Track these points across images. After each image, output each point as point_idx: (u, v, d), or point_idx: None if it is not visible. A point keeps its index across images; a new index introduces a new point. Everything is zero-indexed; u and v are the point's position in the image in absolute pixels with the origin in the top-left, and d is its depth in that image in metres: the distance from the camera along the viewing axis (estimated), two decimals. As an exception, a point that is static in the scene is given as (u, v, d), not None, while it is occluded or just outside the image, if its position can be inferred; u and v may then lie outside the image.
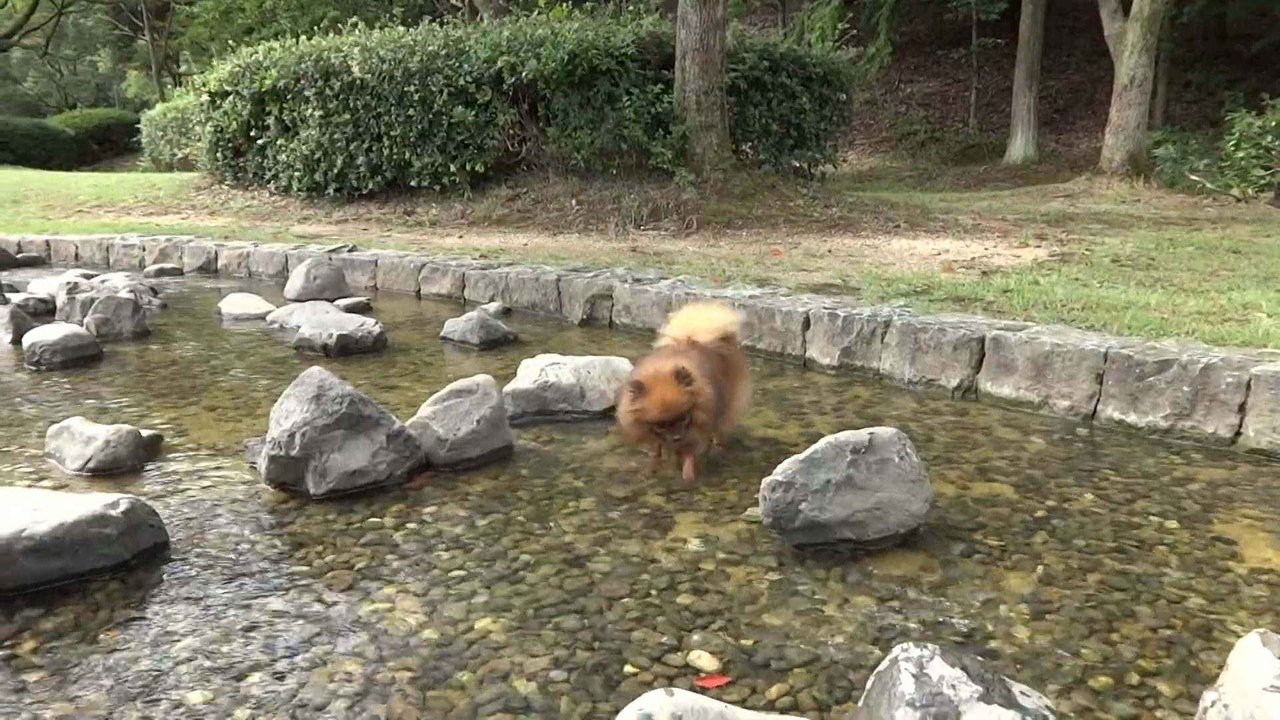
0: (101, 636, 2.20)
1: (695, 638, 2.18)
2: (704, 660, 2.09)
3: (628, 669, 2.06)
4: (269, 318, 6.01)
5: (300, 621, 2.26)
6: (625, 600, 2.36)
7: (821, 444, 2.60)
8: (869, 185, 17.13)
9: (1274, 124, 11.91)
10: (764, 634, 2.20)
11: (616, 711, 1.89)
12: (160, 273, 8.40)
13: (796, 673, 2.04)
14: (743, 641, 2.17)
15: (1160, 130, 16.55)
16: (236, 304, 6.34)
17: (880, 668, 1.66)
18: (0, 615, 2.28)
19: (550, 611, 2.32)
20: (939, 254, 7.42)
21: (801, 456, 2.59)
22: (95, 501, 2.48)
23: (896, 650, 1.65)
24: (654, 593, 2.40)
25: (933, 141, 22.65)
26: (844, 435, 2.62)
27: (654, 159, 9.88)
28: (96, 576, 2.45)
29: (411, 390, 4.29)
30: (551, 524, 2.83)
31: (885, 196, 12.63)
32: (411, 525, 2.82)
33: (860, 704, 1.67)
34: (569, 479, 3.21)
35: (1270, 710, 1.64)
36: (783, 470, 2.58)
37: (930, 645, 1.64)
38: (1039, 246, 7.82)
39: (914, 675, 1.58)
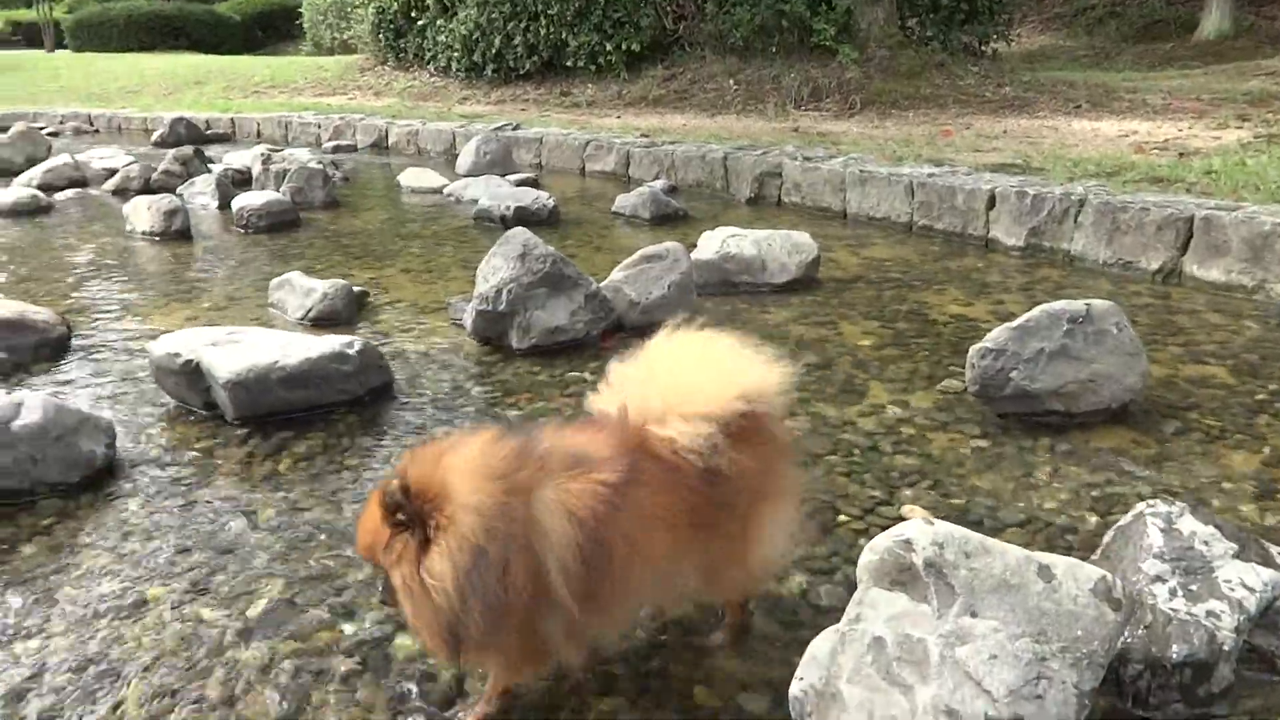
0: (348, 461, 2.39)
1: (906, 493, 2.21)
2: (917, 514, 2.11)
3: (841, 517, 2.11)
4: (445, 190, 6.19)
5: (523, 459, 2.40)
6: (830, 458, 2.40)
7: (1036, 312, 2.53)
8: (1041, 65, 16.00)
9: None
10: (974, 495, 2.20)
11: (834, 554, 1.96)
12: (336, 149, 8.73)
13: (1011, 531, 2.05)
14: (953, 501, 2.18)
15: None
16: (413, 178, 6.55)
17: (1122, 522, 1.65)
18: (259, 436, 2.51)
19: (757, 463, 2.37)
20: (1127, 135, 6.94)
21: (1014, 324, 2.53)
22: (334, 340, 2.68)
23: (1141, 505, 1.63)
24: (857, 452, 2.43)
25: (1111, 17, 20.82)
26: (1059, 304, 2.54)
27: (816, 36, 9.49)
28: (335, 409, 2.66)
29: (590, 260, 4.36)
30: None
31: (1062, 75, 11.81)
32: (612, 380, 2.92)
33: (1097, 555, 1.67)
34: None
35: None
36: (993, 338, 2.54)
37: (1179, 503, 1.61)
38: (1241, 128, 7.19)
39: (1163, 530, 1.56)
